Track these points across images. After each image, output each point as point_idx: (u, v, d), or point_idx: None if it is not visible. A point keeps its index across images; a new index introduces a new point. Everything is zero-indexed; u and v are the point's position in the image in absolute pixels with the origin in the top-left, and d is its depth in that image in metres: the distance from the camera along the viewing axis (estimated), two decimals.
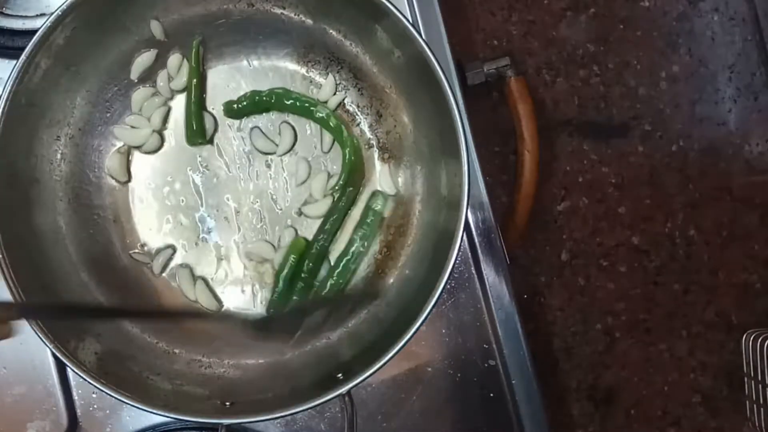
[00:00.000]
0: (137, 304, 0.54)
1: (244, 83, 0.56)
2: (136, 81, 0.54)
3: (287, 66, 0.56)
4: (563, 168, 1.17)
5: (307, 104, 0.54)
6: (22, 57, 0.45)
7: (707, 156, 1.18)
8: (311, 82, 0.56)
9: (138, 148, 0.55)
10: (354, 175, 0.54)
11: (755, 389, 0.97)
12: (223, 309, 0.55)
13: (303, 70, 0.56)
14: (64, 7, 0.45)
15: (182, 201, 0.56)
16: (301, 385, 0.49)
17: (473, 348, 0.59)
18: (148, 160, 0.55)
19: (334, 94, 0.55)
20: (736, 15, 1.19)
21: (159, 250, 0.55)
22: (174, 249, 0.55)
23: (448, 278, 0.45)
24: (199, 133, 0.54)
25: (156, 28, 0.52)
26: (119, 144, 0.54)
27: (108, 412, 0.56)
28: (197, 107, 0.54)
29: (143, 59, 0.54)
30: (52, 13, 0.45)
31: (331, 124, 0.54)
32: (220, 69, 0.56)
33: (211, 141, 0.56)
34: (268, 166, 0.56)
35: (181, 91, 0.55)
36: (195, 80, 0.54)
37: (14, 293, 0.45)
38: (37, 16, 0.56)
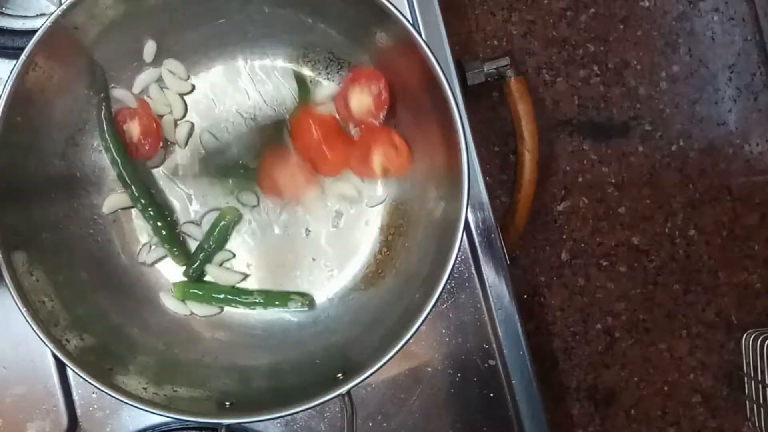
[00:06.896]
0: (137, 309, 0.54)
1: (243, 83, 0.56)
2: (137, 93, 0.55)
3: (287, 66, 0.56)
4: (563, 168, 1.17)
5: None
6: (22, 57, 0.45)
7: (707, 156, 1.18)
8: (311, 82, 0.56)
9: None
10: None
11: (755, 389, 0.97)
12: (222, 312, 0.55)
13: (303, 70, 0.56)
14: (64, 7, 0.45)
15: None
16: (301, 385, 0.49)
17: (473, 348, 0.59)
18: None
19: None
20: (736, 15, 1.19)
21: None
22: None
23: (448, 278, 0.45)
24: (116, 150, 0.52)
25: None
26: None
27: (108, 412, 0.56)
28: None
29: (145, 76, 0.54)
30: (52, 13, 0.45)
31: None
32: (220, 69, 0.56)
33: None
34: None
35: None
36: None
37: (14, 293, 0.45)
38: (37, 16, 0.56)
